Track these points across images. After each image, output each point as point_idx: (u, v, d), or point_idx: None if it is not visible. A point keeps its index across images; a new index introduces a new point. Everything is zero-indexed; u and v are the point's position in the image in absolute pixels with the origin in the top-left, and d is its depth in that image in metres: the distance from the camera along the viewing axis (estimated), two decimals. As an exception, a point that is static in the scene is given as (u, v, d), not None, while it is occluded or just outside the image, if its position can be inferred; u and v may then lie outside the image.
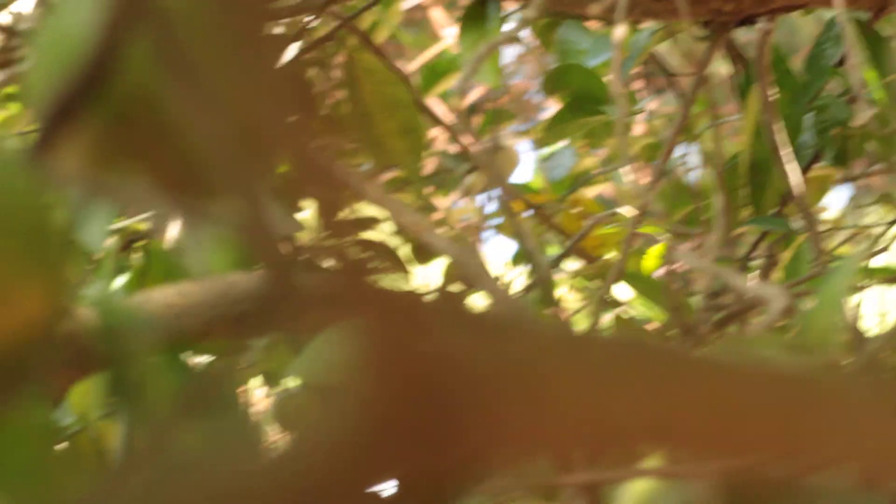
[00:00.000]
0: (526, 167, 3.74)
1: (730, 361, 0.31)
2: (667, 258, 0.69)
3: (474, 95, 2.42)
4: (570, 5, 0.97)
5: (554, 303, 0.71)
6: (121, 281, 0.99)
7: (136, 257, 1.02)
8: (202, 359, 1.04)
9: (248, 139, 0.36)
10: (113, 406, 0.64)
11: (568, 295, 2.03)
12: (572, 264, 1.77)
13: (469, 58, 0.95)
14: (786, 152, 1.26)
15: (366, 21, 1.74)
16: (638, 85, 1.70)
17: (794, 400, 0.31)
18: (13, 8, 1.23)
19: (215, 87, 0.32)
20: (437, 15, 2.54)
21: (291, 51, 1.41)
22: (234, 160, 0.40)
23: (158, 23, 0.36)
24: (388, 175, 2.20)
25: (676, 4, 0.94)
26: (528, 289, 1.33)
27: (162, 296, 0.87)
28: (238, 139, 0.34)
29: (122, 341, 0.63)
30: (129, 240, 1.02)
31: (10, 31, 1.20)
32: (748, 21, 1.03)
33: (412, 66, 2.35)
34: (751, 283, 0.69)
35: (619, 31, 0.84)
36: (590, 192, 2.04)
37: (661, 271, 0.71)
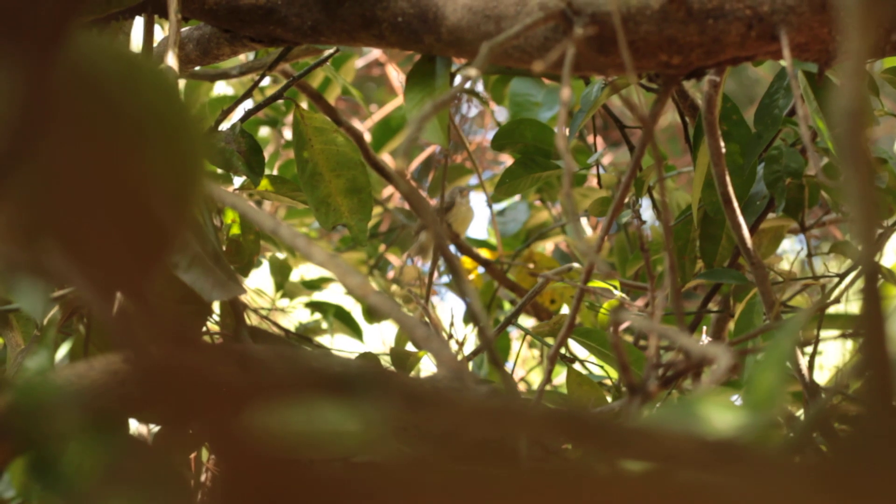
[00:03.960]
0: (482, 222, 3.73)
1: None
2: (613, 316, 0.68)
3: (430, 151, 2.42)
4: (515, 61, 0.96)
5: (500, 365, 0.69)
6: (64, 350, 0.98)
7: (79, 325, 1.00)
8: (150, 427, 1.02)
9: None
10: (44, 482, 0.63)
11: (524, 352, 2.03)
12: (527, 321, 1.76)
13: (415, 115, 0.95)
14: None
15: (317, 79, 1.74)
16: (592, 138, 1.69)
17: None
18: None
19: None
20: (395, 71, 2.54)
21: (241, 110, 1.40)
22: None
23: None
24: (338, 234, 2.19)
25: (623, 58, 0.93)
26: (475, 351, 1.32)
27: (105, 363, 0.85)
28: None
29: (42, 421, 0.62)
30: (73, 308, 1.00)
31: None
32: (696, 74, 1.02)
33: (369, 122, 2.35)
34: (696, 341, 0.68)
35: (566, 89, 0.83)
36: (547, 246, 2.03)
37: (610, 328, 0.70)
